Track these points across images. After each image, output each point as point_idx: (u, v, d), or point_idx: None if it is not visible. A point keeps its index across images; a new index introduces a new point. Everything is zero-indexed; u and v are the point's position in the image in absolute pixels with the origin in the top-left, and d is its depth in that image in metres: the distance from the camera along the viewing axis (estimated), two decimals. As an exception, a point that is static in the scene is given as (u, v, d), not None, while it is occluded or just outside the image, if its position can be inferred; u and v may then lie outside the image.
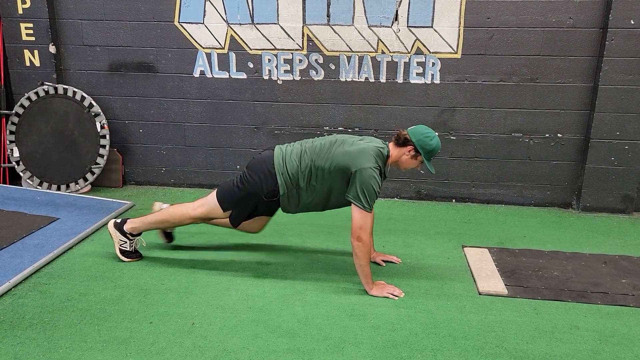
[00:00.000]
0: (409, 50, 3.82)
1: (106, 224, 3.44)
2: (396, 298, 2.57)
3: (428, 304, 2.52)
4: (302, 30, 3.86)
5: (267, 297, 2.56)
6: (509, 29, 3.72)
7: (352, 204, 2.50)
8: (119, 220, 2.92)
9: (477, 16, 3.72)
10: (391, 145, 2.64)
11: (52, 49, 4.07)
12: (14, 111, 4.12)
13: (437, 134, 2.63)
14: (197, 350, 2.13)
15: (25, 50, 4.09)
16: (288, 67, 3.95)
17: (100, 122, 4.07)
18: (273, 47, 3.92)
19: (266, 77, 3.99)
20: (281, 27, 3.87)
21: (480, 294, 2.64)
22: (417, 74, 3.87)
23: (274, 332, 2.26)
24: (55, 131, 4.12)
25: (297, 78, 3.96)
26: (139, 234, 2.94)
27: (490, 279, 2.76)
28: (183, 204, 2.86)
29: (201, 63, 4.02)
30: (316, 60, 3.91)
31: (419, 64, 3.84)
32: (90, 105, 4.06)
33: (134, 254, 2.93)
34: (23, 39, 4.06)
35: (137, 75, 4.10)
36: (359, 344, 2.19)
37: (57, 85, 4.07)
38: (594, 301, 2.58)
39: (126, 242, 2.90)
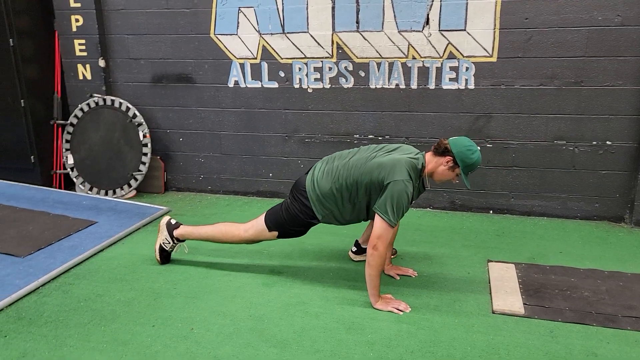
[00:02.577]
0: (441, 55, 3.69)
1: (139, 228, 3.63)
2: (401, 313, 2.47)
3: (433, 320, 2.41)
4: (332, 38, 3.84)
5: (270, 305, 2.56)
6: (550, 30, 3.48)
7: (376, 214, 2.44)
8: (173, 222, 3.01)
9: (514, 17, 3.51)
10: (428, 154, 2.56)
11: (101, 62, 4.33)
12: (69, 121, 4.43)
13: (479, 149, 2.53)
14: (188, 356, 2.17)
15: (78, 65, 4.39)
16: (318, 75, 3.95)
17: (142, 132, 4.28)
18: (303, 56, 3.93)
19: (297, 86, 4.01)
20: (311, 36, 3.88)
21: (493, 312, 2.48)
22: (450, 79, 3.72)
23: (266, 342, 2.25)
24: (104, 140, 4.38)
25: (327, 86, 3.95)
26: (184, 240, 3.02)
27: (508, 297, 2.58)
28: (235, 224, 2.86)
29: (235, 73, 4.11)
30: (346, 67, 3.87)
31: (451, 68, 3.70)
32: (134, 116, 4.28)
33: (165, 257, 3.03)
34: (76, 54, 4.37)
35: (177, 87, 4.27)
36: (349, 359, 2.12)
37: (105, 97, 4.33)
38: (622, 326, 2.34)
39: (169, 243, 2.99)
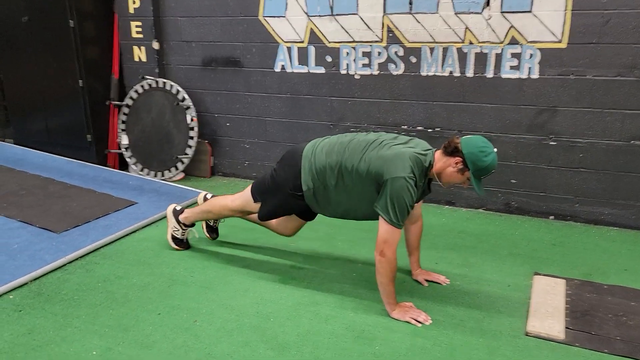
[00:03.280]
0: (502, 40, 3.31)
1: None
2: (419, 325, 2.23)
3: (454, 337, 2.14)
4: (382, 21, 3.58)
5: (281, 303, 2.41)
6: (632, 12, 3.01)
7: (379, 216, 2.21)
8: (178, 208, 3.00)
9: (590, -3, 3.07)
10: (438, 153, 2.28)
11: (155, 45, 4.37)
12: (125, 102, 4.52)
13: (495, 151, 2.20)
14: (183, 350, 2.08)
15: (134, 47, 4.47)
16: (366, 61, 3.71)
17: (190, 115, 4.27)
18: (351, 40, 3.71)
19: (344, 72, 3.80)
20: (360, 18, 3.64)
21: (526, 334, 2.16)
22: (511, 67, 3.34)
23: (266, 343, 2.11)
24: (155, 122, 4.43)
25: (375, 72, 3.70)
26: (192, 225, 3.00)
27: (548, 318, 2.25)
28: (225, 196, 2.86)
29: (282, 57, 3.98)
30: (396, 52, 3.60)
31: (513, 55, 3.31)
32: (183, 99, 4.28)
33: (182, 243, 2.99)
34: (133, 36, 4.43)
35: (226, 70, 4.21)
36: (348, 372, 1.93)
37: (157, 79, 4.37)
38: (686, 367, 1.95)
39: (178, 230, 2.96)
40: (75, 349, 2.08)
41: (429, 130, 3.65)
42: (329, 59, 3.82)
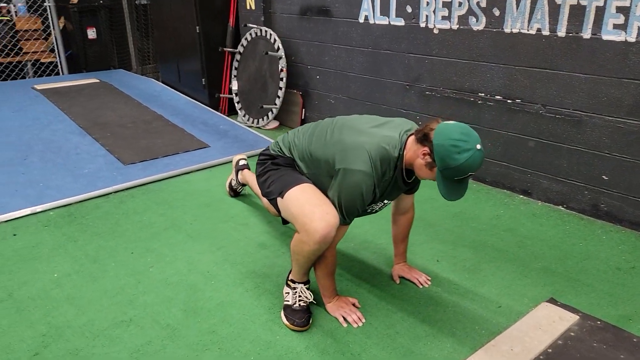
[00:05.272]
0: (609, -12, 2.47)
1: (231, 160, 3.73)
2: (345, 325, 1.94)
3: (363, 348, 1.81)
4: (465, -36, 2.97)
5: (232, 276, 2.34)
6: None
7: None
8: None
9: None
10: (411, 139, 1.80)
11: (261, -8, 4.41)
12: (237, 49, 4.73)
13: (478, 148, 1.62)
14: (117, 292, 2.19)
15: (247, -5, 4.58)
16: (446, 12, 3.15)
17: (280, 65, 4.26)
18: (432, -13, 3.18)
19: (422, 25, 3.31)
20: (443, -39, 3.08)
21: (459, 372, 1.71)
22: (615, 26, 2.48)
23: (185, 304, 2.09)
24: (257, 70, 4.55)
25: (455, 27, 3.13)
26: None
27: (503, 358, 1.73)
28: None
29: (366, 7, 3.64)
30: (478, 3, 2.97)
31: (619, 10, 2.45)
32: (277, 48, 4.28)
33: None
34: (246, -16, 4.55)
35: (318, 20, 4.05)
36: None
37: (261, 28, 4.44)
38: None
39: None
40: (47, 267, 2.36)
41: (509, 101, 2.98)
42: (409, 9, 3.35)
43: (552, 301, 2.05)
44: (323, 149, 1.87)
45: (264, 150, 2.12)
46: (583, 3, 2.55)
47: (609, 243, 2.52)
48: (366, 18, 3.66)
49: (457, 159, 1.61)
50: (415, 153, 1.76)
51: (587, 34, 2.57)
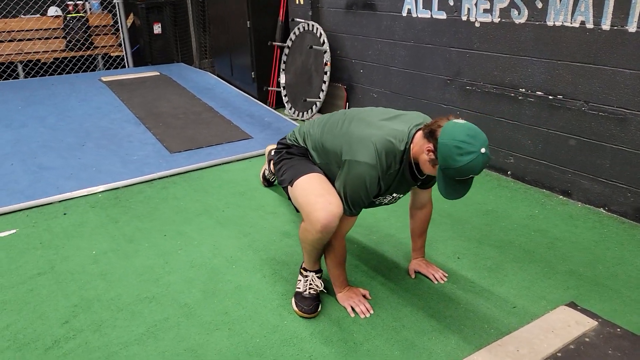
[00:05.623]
0: (658, -23, 2.32)
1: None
2: (352, 315, 1.97)
3: (366, 338, 1.83)
4: (508, -45, 2.88)
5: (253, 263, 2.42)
6: None
7: None
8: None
9: None
10: (419, 134, 1.79)
11: (310, -13, 4.47)
12: (286, 43, 4.83)
13: (483, 152, 1.59)
14: (146, 269, 2.33)
15: (297, -11, 4.66)
16: (488, 5, 3.07)
17: (325, 59, 4.31)
18: (474, -21, 3.11)
19: (464, 18, 3.24)
20: (485, -48, 3.00)
21: (457, 368, 1.69)
22: (666, 18, 2.32)
23: (204, 285, 2.20)
24: (303, 64, 4.62)
25: (496, 20, 3.04)
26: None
27: (507, 358, 1.70)
28: None
29: (409, 0, 3.60)
30: (520, -5, 2.88)
31: (671, 0, 2.29)
32: (323, 42, 4.33)
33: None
34: (296, -21, 4.62)
35: (362, 14, 4.05)
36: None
37: (308, 22, 4.50)
38: None
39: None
40: (88, 244, 2.55)
41: (550, 97, 2.87)
42: (451, 2, 3.29)
43: (572, 305, 1.98)
44: (333, 140, 1.90)
45: (281, 140, 2.19)
46: (629, -6, 2.41)
47: (649, 250, 2.38)
48: (409, 11, 3.63)
49: (458, 161, 1.59)
50: (420, 148, 1.75)
51: (632, 27, 2.43)
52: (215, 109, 4.65)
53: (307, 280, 2.02)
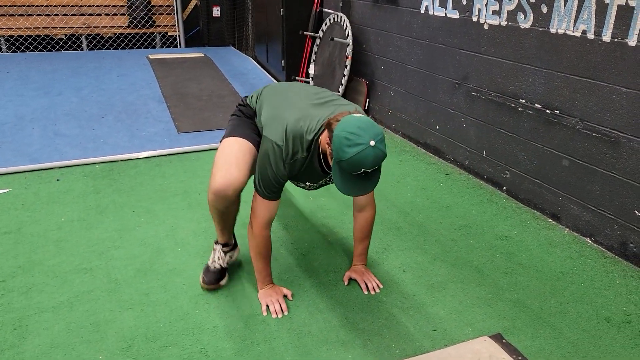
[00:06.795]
0: (666, -14, 2.05)
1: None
2: (265, 314, 1.94)
3: (269, 342, 1.80)
4: (519, -47, 2.67)
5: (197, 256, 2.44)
6: None
7: None
8: None
9: None
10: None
11: (342, -22, 4.39)
12: (318, 34, 4.79)
13: (372, 145, 1.52)
14: (100, 245, 2.43)
15: (332, -20, 4.59)
16: (497, 7, 2.86)
17: (346, 53, 4.23)
18: (485, -22, 2.91)
19: (475, 19, 3.04)
20: (498, -51, 2.80)
21: (338, 384, 1.62)
22: (670, 33, 2.05)
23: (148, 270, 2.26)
24: (330, 55, 4.57)
25: (504, 23, 2.83)
26: None
27: (392, 385, 1.60)
28: None
29: (427, -4, 3.45)
30: (527, -2, 2.66)
31: (676, 13, 2.02)
32: (347, 35, 4.24)
33: None
34: (331, -31, 4.55)
35: (386, 8, 3.93)
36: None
37: (337, 14, 4.43)
38: None
39: None
40: (61, 211, 2.69)
41: (547, 111, 2.64)
42: (464, 1, 3.11)
43: (497, 337, 1.82)
44: (265, 112, 1.90)
45: (244, 96, 2.17)
46: (632, 4, 2.14)
47: (619, 289, 2.13)
48: (427, 8, 3.46)
49: (347, 152, 1.53)
50: (325, 139, 1.69)
51: (632, 40, 2.16)
52: (239, 94, 4.72)
53: (215, 252, 2.09)
